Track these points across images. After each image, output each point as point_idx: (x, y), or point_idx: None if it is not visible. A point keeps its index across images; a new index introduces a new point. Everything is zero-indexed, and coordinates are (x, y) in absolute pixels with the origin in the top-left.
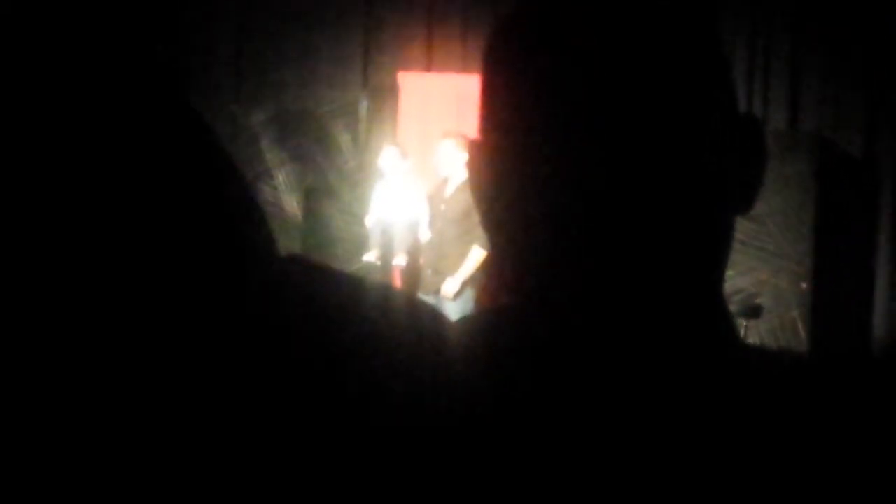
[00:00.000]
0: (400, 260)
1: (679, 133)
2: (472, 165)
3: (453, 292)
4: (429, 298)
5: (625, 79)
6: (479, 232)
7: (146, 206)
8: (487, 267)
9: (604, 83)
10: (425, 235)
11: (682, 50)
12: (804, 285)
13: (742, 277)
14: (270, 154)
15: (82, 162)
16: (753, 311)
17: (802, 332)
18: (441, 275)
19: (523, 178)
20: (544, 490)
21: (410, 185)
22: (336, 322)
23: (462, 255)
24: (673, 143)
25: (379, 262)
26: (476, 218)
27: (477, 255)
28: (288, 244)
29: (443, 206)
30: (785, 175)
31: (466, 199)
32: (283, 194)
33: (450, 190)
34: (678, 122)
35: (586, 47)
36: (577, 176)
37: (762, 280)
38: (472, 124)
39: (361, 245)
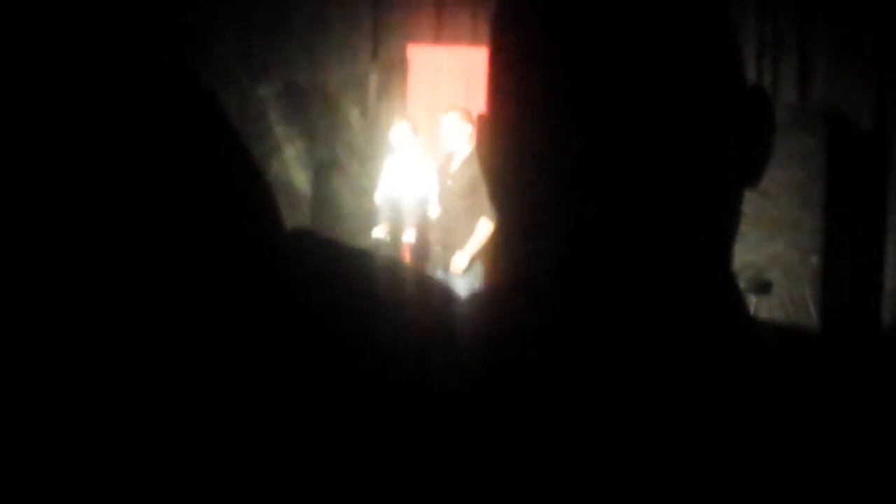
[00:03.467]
0: (409, 236)
1: (688, 107)
2: (481, 140)
3: (462, 267)
4: (438, 274)
5: (633, 52)
6: (486, 205)
7: (153, 182)
8: (494, 243)
9: (612, 57)
10: (434, 211)
11: (691, 24)
12: (814, 260)
13: (751, 253)
14: (279, 129)
15: (88, 138)
16: (763, 287)
17: (812, 308)
18: (450, 250)
19: (531, 152)
20: (551, 469)
21: (420, 160)
22: (345, 297)
23: (470, 230)
24: (681, 117)
25: (388, 238)
26: (482, 192)
27: (485, 227)
28: (297, 219)
29: (449, 181)
30: (795, 149)
31: (472, 173)
32: (293, 169)
33: (455, 164)
34: (687, 96)
35: (594, 21)
36: (585, 151)
37: (772, 255)
38: (481, 98)
39: (371, 221)
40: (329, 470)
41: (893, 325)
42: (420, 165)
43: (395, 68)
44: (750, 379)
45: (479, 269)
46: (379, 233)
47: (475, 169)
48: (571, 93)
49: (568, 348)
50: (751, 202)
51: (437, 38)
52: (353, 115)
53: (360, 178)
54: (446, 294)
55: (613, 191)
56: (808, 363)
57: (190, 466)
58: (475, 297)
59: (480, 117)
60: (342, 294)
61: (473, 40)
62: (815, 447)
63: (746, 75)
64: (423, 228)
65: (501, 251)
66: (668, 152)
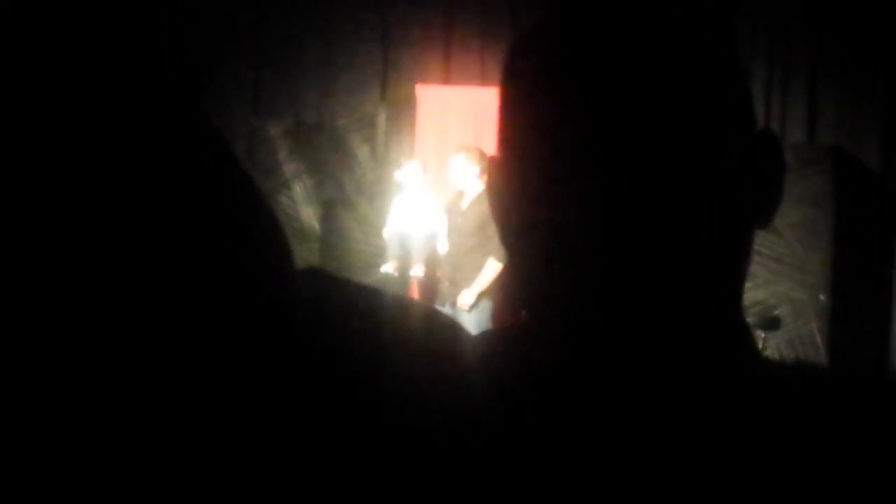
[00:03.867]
0: (417, 271)
1: (699, 148)
2: (491, 180)
3: (469, 304)
4: (445, 309)
5: (644, 95)
6: (495, 244)
7: (163, 219)
8: (504, 281)
9: (623, 99)
10: (443, 247)
11: (701, 66)
12: (822, 297)
13: (761, 289)
14: (288, 166)
15: (98, 176)
16: (772, 323)
17: (821, 344)
18: (457, 286)
19: (541, 193)
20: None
21: (428, 197)
22: (353, 334)
23: (478, 267)
24: (693, 158)
25: (396, 274)
26: (491, 230)
27: (493, 267)
28: (305, 256)
29: (459, 219)
30: (803, 188)
31: (482, 212)
32: (301, 206)
33: (466, 203)
34: (698, 137)
35: (605, 63)
36: (596, 191)
37: (781, 292)
38: (489, 137)
39: (379, 257)
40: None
41: None
42: (429, 203)
43: (404, 107)
44: (758, 414)
45: (485, 305)
46: (387, 269)
47: (485, 207)
48: (582, 134)
49: (578, 386)
50: (760, 240)
51: (446, 77)
52: (362, 152)
53: (368, 214)
54: (454, 330)
55: (626, 232)
56: (816, 400)
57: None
58: (483, 336)
59: (491, 158)
60: (350, 332)
61: (482, 80)
62: (822, 483)
63: (756, 117)
64: (431, 265)
65: (512, 290)
66: (680, 192)
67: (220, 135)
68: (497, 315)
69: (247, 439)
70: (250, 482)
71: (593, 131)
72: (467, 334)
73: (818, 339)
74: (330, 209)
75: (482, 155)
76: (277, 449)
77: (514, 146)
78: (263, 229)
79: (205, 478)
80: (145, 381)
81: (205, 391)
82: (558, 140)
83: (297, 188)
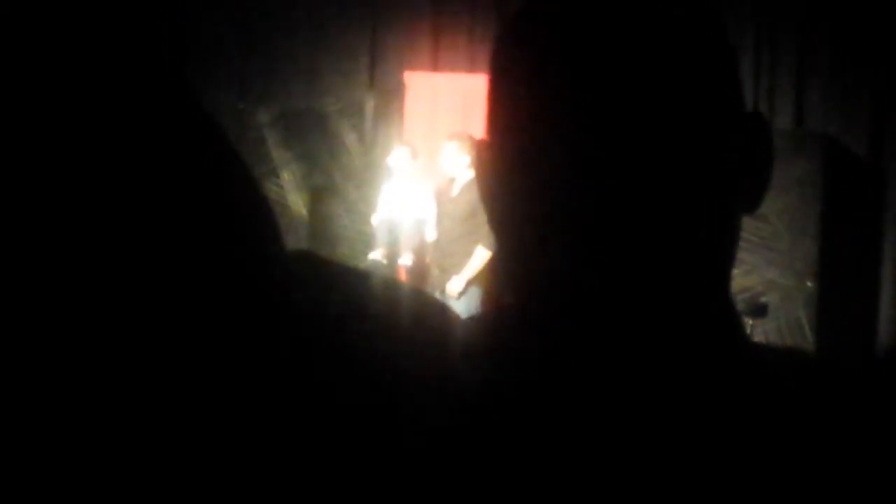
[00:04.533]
0: (406, 259)
1: (686, 133)
2: (480, 165)
3: (458, 290)
4: (435, 296)
5: (632, 79)
6: (485, 231)
7: (153, 205)
8: (493, 267)
9: (610, 83)
10: (432, 235)
11: (688, 50)
12: (810, 284)
13: (748, 276)
14: (277, 153)
15: (87, 162)
16: (760, 310)
17: (808, 331)
18: (447, 273)
19: (530, 178)
20: (546, 491)
21: (417, 184)
22: (343, 317)
23: (467, 254)
24: (680, 143)
25: (385, 261)
26: (481, 218)
27: (482, 254)
28: (294, 243)
29: (449, 206)
30: (791, 175)
31: (472, 199)
32: (290, 193)
33: (456, 190)
34: (685, 121)
35: (593, 47)
36: (584, 176)
37: (768, 279)
38: (478, 124)
39: (367, 244)
40: (322, 489)
41: (887, 349)
42: (417, 189)
43: (393, 94)
44: (746, 400)
45: (474, 293)
46: (376, 256)
47: (475, 195)
48: (570, 119)
49: (564, 370)
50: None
51: (434, 64)
52: (350, 139)
53: (356, 202)
54: (443, 312)
55: (613, 217)
56: (804, 386)
57: (185, 484)
58: (472, 319)
59: (480, 143)
60: (339, 314)
61: (470, 67)
62: (810, 468)
63: (744, 101)
64: (419, 251)
65: (500, 274)
66: (667, 177)
67: (211, 121)
68: (486, 302)
69: (237, 423)
70: (239, 462)
71: (581, 116)
72: (456, 316)
73: (805, 325)
74: (318, 196)
75: (474, 143)
76: (267, 433)
77: (502, 131)
78: (253, 214)
79: (195, 457)
80: (135, 366)
81: (195, 375)
82: (546, 125)
83: (286, 175)
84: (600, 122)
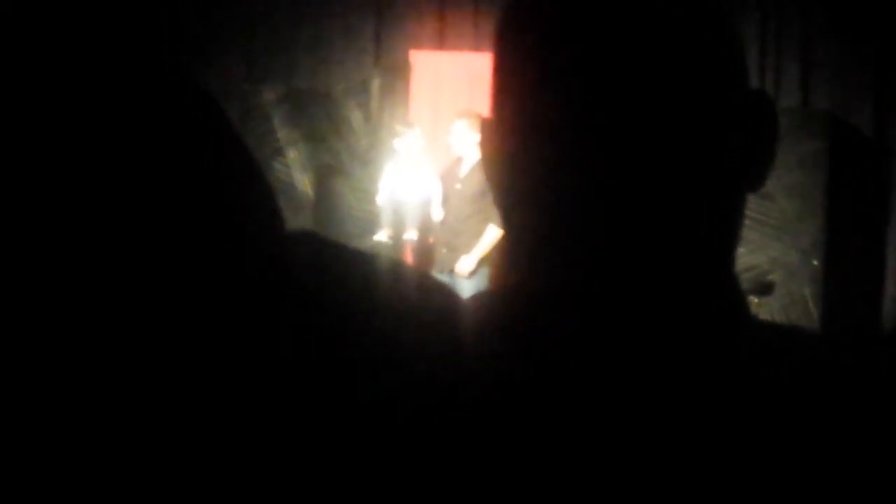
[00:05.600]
0: (411, 236)
1: (692, 111)
2: (485, 144)
3: (468, 270)
4: (443, 276)
5: (637, 57)
6: (495, 211)
7: (155, 184)
8: (501, 246)
9: (616, 61)
10: (437, 214)
11: (694, 29)
12: (815, 262)
13: (754, 254)
14: (282, 133)
15: (88, 140)
16: (765, 288)
17: (813, 309)
18: (456, 252)
19: (535, 156)
20: (555, 468)
21: (422, 163)
22: (346, 297)
23: (477, 234)
24: (685, 121)
25: (390, 241)
26: (490, 197)
27: (492, 233)
28: (299, 222)
29: (458, 185)
30: (797, 153)
31: (482, 179)
32: (295, 173)
33: (465, 169)
34: (691, 100)
35: (598, 25)
36: (589, 155)
37: (774, 257)
38: (484, 103)
39: (373, 223)
40: (328, 471)
41: (893, 326)
42: (422, 168)
43: (398, 73)
44: (751, 378)
45: (485, 272)
46: (381, 236)
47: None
48: (576, 97)
49: (570, 350)
50: (753, 205)
51: (440, 43)
52: (356, 118)
53: (362, 181)
54: (448, 294)
55: (618, 195)
56: (809, 363)
57: (189, 468)
58: (478, 298)
59: (484, 121)
60: (343, 294)
61: (476, 46)
62: (814, 447)
63: (749, 79)
64: (424, 231)
65: (506, 254)
66: (672, 156)
67: (214, 101)
68: (495, 281)
69: (240, 408)
70: (244, 447)
71: (586, 94)
72: (461, 297)
73: (811, 303)
74: (324, 176)
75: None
76: (269, 414)
77: (506, 110)
78: (256, 194)
79: (197, 446)
80: (138, 349)
81: (198, 355)
82: (550, 104)
83: (291, 155)
84: (606, 100)
